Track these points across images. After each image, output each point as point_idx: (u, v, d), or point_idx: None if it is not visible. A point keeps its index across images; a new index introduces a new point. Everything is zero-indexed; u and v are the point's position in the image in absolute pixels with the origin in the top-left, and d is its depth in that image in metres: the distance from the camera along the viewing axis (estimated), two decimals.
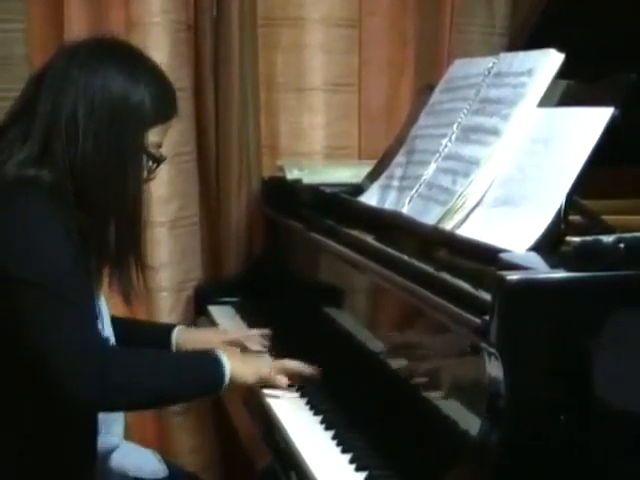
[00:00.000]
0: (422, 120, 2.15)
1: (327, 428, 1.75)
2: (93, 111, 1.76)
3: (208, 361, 1.88)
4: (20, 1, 2.72)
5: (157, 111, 1.83)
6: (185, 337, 2.13)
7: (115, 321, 2.00)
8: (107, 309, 1.96)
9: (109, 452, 1.98)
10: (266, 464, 1.83)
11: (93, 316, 1.79)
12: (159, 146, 1.88)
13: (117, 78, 1.78)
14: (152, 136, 1.84)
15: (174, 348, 2.10)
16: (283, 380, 1.92)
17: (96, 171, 1.77)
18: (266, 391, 1.93)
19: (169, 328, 2.17)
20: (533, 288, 1.36)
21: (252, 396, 2.02)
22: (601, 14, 2.13)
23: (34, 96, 1.81)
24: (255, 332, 2.24)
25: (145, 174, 1.86)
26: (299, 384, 1.94)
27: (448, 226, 1.77)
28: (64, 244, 1.71)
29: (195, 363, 1.91)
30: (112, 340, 1.93)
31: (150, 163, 1.86)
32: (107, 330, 1.93)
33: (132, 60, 1.84)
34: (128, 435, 2.58)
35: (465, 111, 1.96)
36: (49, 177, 1.74)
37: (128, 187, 1.80)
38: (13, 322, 1.69)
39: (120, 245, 1.83)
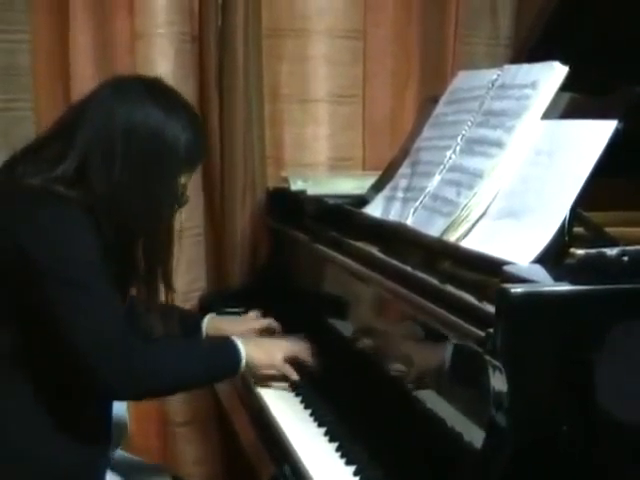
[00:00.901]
0: (426, 132, 2.16)
1: (331, 440, 1.75)
2: (131, 145, 1.82)
3: (225, 347, 2.01)
4: (24, 12, 2.72)
5: (190, 156, 1.89)
6: (214, 325, 2.27)
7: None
8: None
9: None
10: (270, 476, 1.83)
11: (120, 309, 1.86)
12: (184, 187, 1.94)
13: (157, 117, 1.84)
14: (182, 178, 1.91)
15: (204, 334, 2.26)
16: (293, 375, 2.06)
17: (130, 202, 1.83)
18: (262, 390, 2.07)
19: (200, 316, 2.32)
20: (537, 301, 1.35)
21: (256, 407, 2.02)
22: (605, 26, 2.13)
23: (74, 124, 1.86)
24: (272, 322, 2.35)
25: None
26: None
27: (452, 238, 1.78)
28: (92, 243, 1.78)
29: (213, 350, 2.03)
30: None
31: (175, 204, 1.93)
32: None
33: (173, 103, 1.90)
34: (132, 446, 2.59)
35: (469, 123, 1.96)
36: (78, 198, 1.80)
37: (160, 219, 1.88)
38: (44, 313, 1.75)
39: (150, 268, 1.90)
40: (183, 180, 1.92)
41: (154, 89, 1.91)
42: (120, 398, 1.95)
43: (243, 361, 1.98)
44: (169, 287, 1.97)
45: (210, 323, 2.28)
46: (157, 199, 1.86)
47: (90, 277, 1.77)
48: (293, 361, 2.09)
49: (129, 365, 1.80)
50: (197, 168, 1.97)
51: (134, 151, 1.82)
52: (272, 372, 2.07)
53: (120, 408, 2.03)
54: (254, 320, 2.36)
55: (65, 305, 1.74)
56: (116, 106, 1.84)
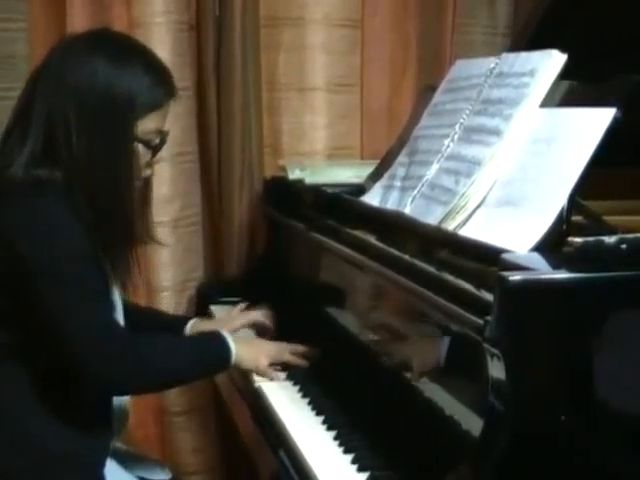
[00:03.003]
0: (424, 120, 2.15)
1: (329, 428, 1.75)
2: (81, 108, 1.79)
3: (215, 343, 1.99)
4: (22, 1, 2.72)
5: (147, 99, 1.85)
6: (198, 329, 2.21)
7: (133, 309, 2.09)
8: (121, 303, 2.00)
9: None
10: (268, 465, 1.83)
11: (109, 303, 1.87)
12: (159, 131, 1.90)
13: (103, 71, 1.81)
14: (149, 123, 1.87)
15: None
16: (279, 376, 2.04)
17: (91, 166, 1.80)
18: (257, 378, 2.05)
19: (184, 320, 2.27)
20: (535, 289, 1.35)
21: (254, 396, 2.02)
22: (603, 14, 2.12)
23: (31, 97, 1.85)
24: (257, 315, 2.33)
25: (146, 160, 1.90)
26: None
27: (450, 226, 1.77)
28: (80, 235, 1.78)
29: (203, 346, 2.02)
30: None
31: (148, 150, 1.89)
32: (121, 322, 1.97)
33: (121, 51, 1.86)
34: (130, 436, 2.59)
35: (467, 111, 1.96)
36: (61, 177, 1.78)
37: (119, 179, 1.83)
38: (35, 308, 1.76)
39: (115, 235, 1.86)
40: (154, 124, 1.88)
41: (102, 42, 1.87)
42: (110, 392, 1.92)
43: (233, 357, 1.97)
44: (137, 254, 1.97)
45: (194, 328, 2.23)
46: (113, 157, 1.82)
47: (79, 271, 1.77)
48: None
49: (119, 359, 1.80)
50: (166, 106, 1.90)
51: (87, 112, 1.79)
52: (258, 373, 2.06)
53: (121, 398, 2.03)
54: (238, 317, 2.33)
55: (55, 300, 1.75)
56: (63, 70, 1.82)
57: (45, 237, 1.76)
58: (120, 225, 1.85)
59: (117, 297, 1.97)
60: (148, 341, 1.92)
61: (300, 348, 2.10)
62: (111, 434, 1.96)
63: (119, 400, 1.98)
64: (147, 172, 1.94)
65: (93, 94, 1.80)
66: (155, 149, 1.91)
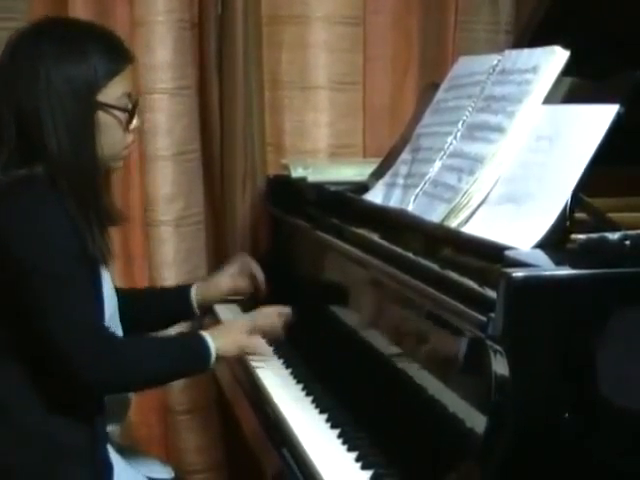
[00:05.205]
0: (427, 118, 2.15)
1: (332, 427, 1.75)
2: (44, 102, 1.82)
3: (196, 345, 1.99)
4: (23, 0, 2.72)
5: (103, 71, 1.87)
6: (202, 294, 2.29)
7: (134, 293, 2.15)
8: (116, 301, 2.02)
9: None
10: (272, 464, 1.83)
11: (99, 304, 1.89)
12: (129, 95, 1.92)
13: (54, 63, 1.83)
14: (115, 90, 1.89)
15: (195, 307, 2.28)
16: (266, 350, 2.11)
17: (62, 152, 1.83)
18: (253, 363, 2.11)
19: (186, 290, 2.29)
20: (538, 285, 1.35)
21: (257, 395, 2.02)
22: (606, 10, 2.12)
23: None
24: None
25: (125, 125, 1.92)
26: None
27: (453, 224, 1.77)
28: (70, 233, 1.80)
29: (184, 348, 2.02)
30: (118, 332, 2.00)
31: (123, 114, 1.91)
32: (116, 321, 2.01)
33: (66, 37, 1.88)
34: (134, 436, 2.59)
35: (470, 109, 1.95)
36: (43, 171, 1.82)
37: (85, 156, 1.86)
38: (24, 308, 1.79)
39: (93, 210, 1.88)
40: (120, 89, 1.90)
41: (45, 34, 1.89)
42: (91, 391, 1.91)
43: (213, 357, 1.97)
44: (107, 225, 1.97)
45: (198, 293, 2.28)
46: (78, 139, 1.85)
47: (70, 270, 1.80)
48: (266, 335, 2.13)
49: (102, 360, 1.82)
50: (126, 73, 1.92)
51: (50, 104, 1.82)
52: (248, 352, 2.08)
53: None
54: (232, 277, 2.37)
55: (44, 299, 1.77)
56: (16, 71, 1.85)
57: (37, 237, 1.79)
58: (94, 200, 1.88)
59: (112, 293, 1.99)
60: (132, 344, 1.95)
61: (271, 310, 2.15)
62: (106, 419, 1.96)
63: None
64: (129, 138, 1.96)
65: (51, 85, 1.82)
66: (131, 113, 1.93)
